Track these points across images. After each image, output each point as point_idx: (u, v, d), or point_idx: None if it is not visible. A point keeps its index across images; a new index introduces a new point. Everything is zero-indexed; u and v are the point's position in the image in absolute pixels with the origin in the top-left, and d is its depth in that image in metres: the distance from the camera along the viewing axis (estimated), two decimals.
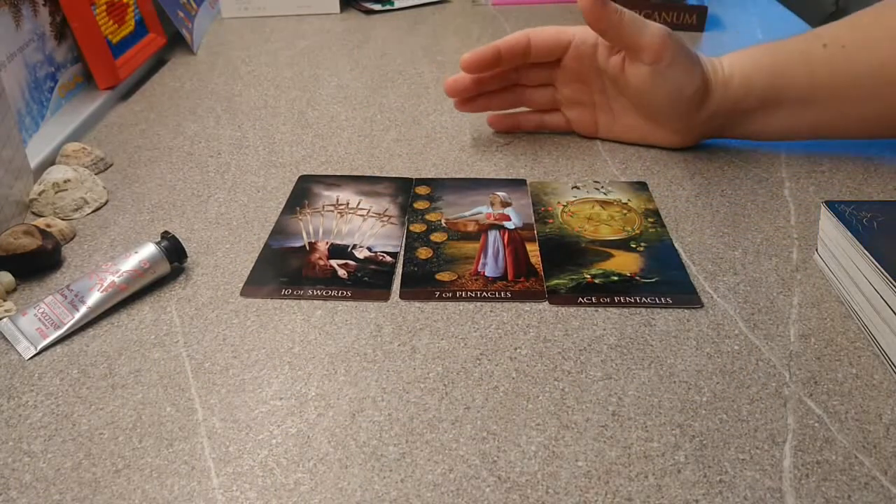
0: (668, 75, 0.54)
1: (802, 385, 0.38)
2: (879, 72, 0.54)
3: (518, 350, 0.40)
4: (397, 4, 1.02)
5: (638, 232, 0.50)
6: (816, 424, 0.36)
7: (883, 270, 0.38)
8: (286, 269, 0.47)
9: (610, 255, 0.48)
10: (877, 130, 0.58)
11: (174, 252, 0.46)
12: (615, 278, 0.46)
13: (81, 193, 0.54)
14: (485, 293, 0.45)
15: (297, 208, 0.54)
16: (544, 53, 0.59)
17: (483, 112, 0.64)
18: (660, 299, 0.44)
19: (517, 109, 0.64)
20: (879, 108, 0.56)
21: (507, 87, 0.62)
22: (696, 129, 0.59)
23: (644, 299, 0.44)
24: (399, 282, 0.46)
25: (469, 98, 0.61)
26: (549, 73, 0.61)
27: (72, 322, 0.42)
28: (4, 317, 0.42)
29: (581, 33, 0.58)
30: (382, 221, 0.52)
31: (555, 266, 0.47)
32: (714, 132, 0.60)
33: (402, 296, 0.45)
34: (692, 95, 0.55)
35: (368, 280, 0.46)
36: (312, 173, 0.59)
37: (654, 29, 0.54)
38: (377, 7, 1.01)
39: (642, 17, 0.54)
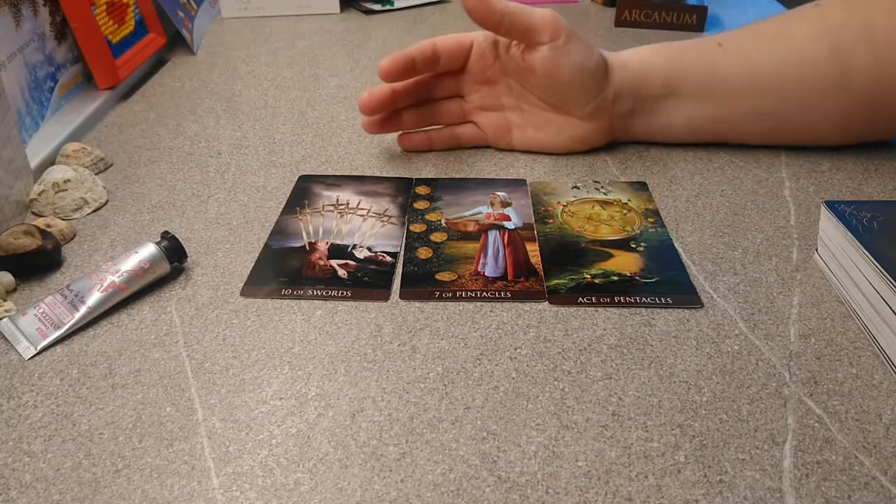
0: (568, 50, 0.55)
1: (802, 385, 0.38)
2: (778, 70, 0.56)
3: (518, 350, 0.40)
4: (397, 4, 1.02)
5: (638, 232, 0.50)
6: (816, 424, 0.36)
7: (883, 270, 0.38)
8: (286, 269, 0.47)
9: (610, 255, 0.48)
10: (777, 133, 0.60)
11: (174, 252, 0.46)
12: (615, 278, 0.46)
13: (81, 193, 0.54)
14: (485, 293, 0.45)
15: (297, 208, 0.54)
16: (450, 58, 0.58)
17: (395, 132, 0.62)
18: (660, 299, 0.44)
19: (429, 128, 0.62)
20: (778, 105, 0.57)
21: (418, 104, 0.61)
22: (606, 113, 0.58)
23: (644, 299, 0.44)
24: (399, 282, 0.46)
25: (382, 118, 0.60)
26: (456, 82, 0.61)
27: (72, 322, 0.42)
28: (4, 317, 0.42)
29: (482, 35, 0.59)
30: (382, 221, 0.52)
31: (555, 266, 0.47)
32: (625, 124, 0.60)
33: (402, 296, 0.45)
34: (595, 69, 0.56)
35: (368, 280, 0.46)
36: (312, 173, 0.59)
37: (544, 11, 0.55)
38: (377, 7, 1.01)
39: (528, 6, 0.55)
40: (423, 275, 0.46)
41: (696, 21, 0.89)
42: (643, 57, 0.59)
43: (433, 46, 0.58)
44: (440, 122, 0.62)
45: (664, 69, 0.58)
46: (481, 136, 0.62)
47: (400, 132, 0.62)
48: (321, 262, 0.48)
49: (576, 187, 0.56)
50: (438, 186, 0.56)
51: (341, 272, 0.47)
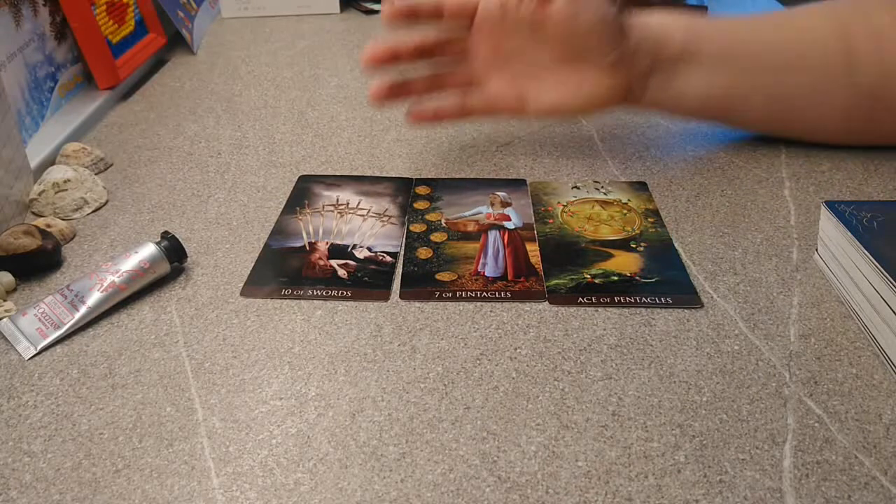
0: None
1: (802, 385, 0.38)
2: (789, 50, 0.57)
3: (518, 350, 0.40)
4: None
5: (638, 232, 0.50)
6: (816, 424, 0.36)
7: (883, 270, 0.38)
8: (286, 269, 0.47)
9: (610, 255, 0.48)
10: (783, 116, 0.59)
11: (174, 252, 0.46)
12: (615, 278, 0.46)
13: (81, 193, 0.54)
14: (485, 293, 0.45)
15: (297, 208, 0.54)
16: (455, 11, 0.56)
17: (404, 100, 0.59)
18: (660, 299, 0.44)
19: (437, 102, 0.59)
20: (787, 85, 0.57)
21: (425, 74, 0.58)
22: (626, 67, 0.56)
23: (644, 299, 0.44)
24: (399, 282, 0.46)
25: (389, 87, 0.57)
26: (462, 44, 0.57)
27: (72, 322, 0.42)
28: (4, 317, 0.42)
29: None
30: (382, 221, 0.52)
31: (555, 266, 0.47)
32: (642, 84, 0.57)
33: (402, 296, 0.45)
34: (616, 16, 0.54)
35: (368, 280, 0.46)
36: (312, 173, 0.59)
37: None
38: (377, 7, 1.01)
39: None
40: (423, 275, 0.46)
41: None
42: (662, 18, 0.58)
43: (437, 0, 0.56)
44: (449, 86, 0.59)
45: (683, 32, 0.57)
46: (492, 105, 0.59)
47: (409, 112, 0.59)
48: (321, 262, 0.48)
49: (576, 187, 0.56)
50: (438, 186, 0.56)
51: (341, 272, 0.47)
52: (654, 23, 0.57)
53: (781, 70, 0.57)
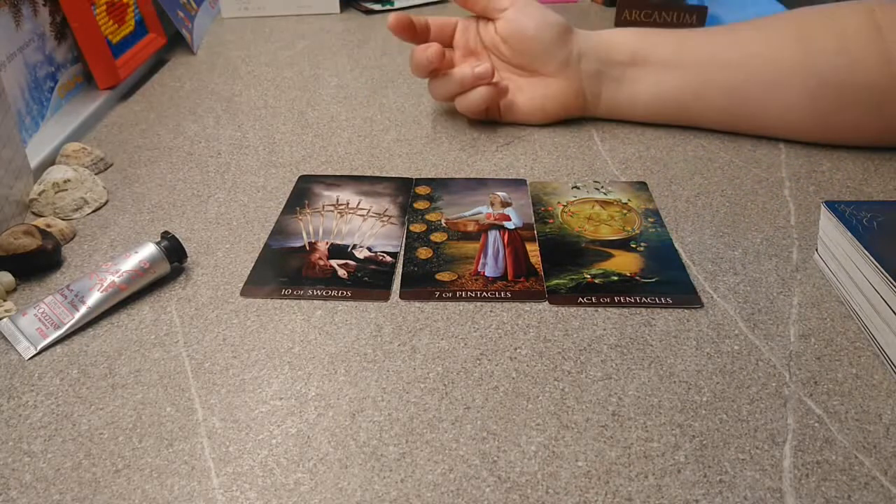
0: (529, 11, 0.62)
1: (802, 385, 0.38)
2: (743, 45, 0.60)
3: (518, 350, 0.40)
4: (397, 4, 1.02)
5: (638, 232, 0.50)
6: (816, 424, 0.36)
7: (883, 270, 0.38)
8: (286, 269, 0.47)
9: (610, 255, 0.48)
10: (744, 108, 0.61)
11: (174, 252, 0.46)
12: (615, 278, 0.46)
13: (81, 193, 0.54)
14: (485, 293, 0.45)
15: (297, 208, 0.54)
16: (439, 31, 0.65)
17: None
18: (660, 299, 0.44)
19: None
20: (743, 78, 0.59)
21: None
22: (573, 70, 0.62)
23: (644, 299, 0.44)
24: (399, 282, 0.46)
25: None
26: (450, 55, 0.65)
27: (72, 322, 0.42)
28: (4, 317, 0.42)
29: (465, 19, 0.66)
30: (382, 221, 0.52)
31: (555, 266, 0.47)
32: (595, 89, 0.63)
33: (402, 296, 0.45)
34: (555, 23, 0.62)
35: (368, 280, 0.46)
36: (312, 173, 0.59)
37: None
38: (377, 7, 1.01)
39: None
40: (423, 275, 0.46)
41: (696, 21, 0.89)
42: (610, 32, 0.63)
43: (426, 20, 0.65)
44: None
45: (632, 40, 0.62)
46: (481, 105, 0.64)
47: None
48: (321, 262, 0.48)
49: (576, 187, 0.56)
50: (438, 186, 0.56)
51: (341, 272, 0.47)
52: (604, 33, 0.64)
53: (734, 65, 0.60)
